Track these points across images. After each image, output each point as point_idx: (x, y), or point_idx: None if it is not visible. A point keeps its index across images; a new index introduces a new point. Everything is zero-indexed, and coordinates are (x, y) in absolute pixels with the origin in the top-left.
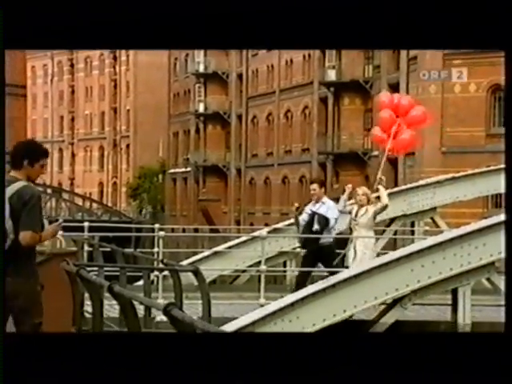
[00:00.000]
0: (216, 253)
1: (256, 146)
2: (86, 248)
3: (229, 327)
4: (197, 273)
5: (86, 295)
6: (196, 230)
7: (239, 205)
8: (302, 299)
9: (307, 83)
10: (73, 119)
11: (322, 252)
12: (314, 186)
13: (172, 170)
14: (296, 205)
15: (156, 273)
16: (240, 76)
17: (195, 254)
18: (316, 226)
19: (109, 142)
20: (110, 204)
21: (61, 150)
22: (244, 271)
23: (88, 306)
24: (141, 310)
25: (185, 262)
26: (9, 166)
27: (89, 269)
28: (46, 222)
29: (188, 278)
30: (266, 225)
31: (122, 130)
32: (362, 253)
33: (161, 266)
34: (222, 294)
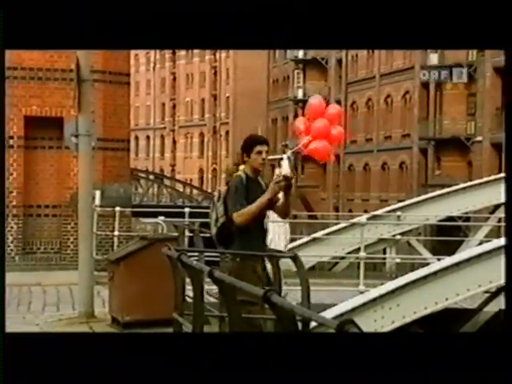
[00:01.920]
0: (315, 239)
1: (355, 131)
2: (187, 233)
3: (328, 314)
4: (295, 259)
5: (188, 280)
6: (294, 217)
7: (338, 191)
8: (404, 286)
9: (408, 68)
10: (174, 106)
11: None
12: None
13: (270, 157)
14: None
15: None
16: (339, 61)
17: (294, 240)
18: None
19: (209, 129)
20: (209, 190)
21: (162, 137)
22: (343, 258)
23: (189, 291)
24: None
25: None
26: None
27: (189, 254)
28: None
29: (287, 264)
30: (365, 211)
31: (222, 116)
32: (277, 235)
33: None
34: (321, 280)
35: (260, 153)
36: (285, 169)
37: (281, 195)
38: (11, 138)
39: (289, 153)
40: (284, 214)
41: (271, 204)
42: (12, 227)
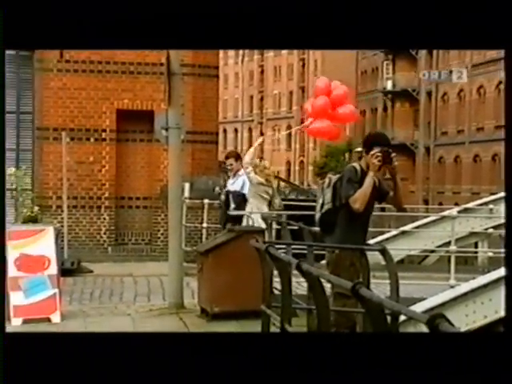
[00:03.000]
0: (404, 232)
1: (446, 123)
2: (275, 226)
3: (418, 307)
4: (384, 252)
5: (275, 272)
6: (383, 209)
7: (427, 184)
8: (496, 281)
9: (503, 57)
10: (262, 99)
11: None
12: (230, 160)
13: (359, 149)
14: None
15: None
16: (430, 52)
17: (382, 233)
18: (232, 205)
19: (296, 121)
20: (297, 182)
21: (250, 130)
22: (433, 251)
23: (277, 284)
24: (328, 288)
25: (372, 241)
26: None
27: (277, 246)
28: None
29: (375, 257)
30: (456, 204)
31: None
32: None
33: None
34: (410, 274)
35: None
36: (249, 153)
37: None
38: (104, 131)
39: (260, 139)
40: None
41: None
42: (105, 218)
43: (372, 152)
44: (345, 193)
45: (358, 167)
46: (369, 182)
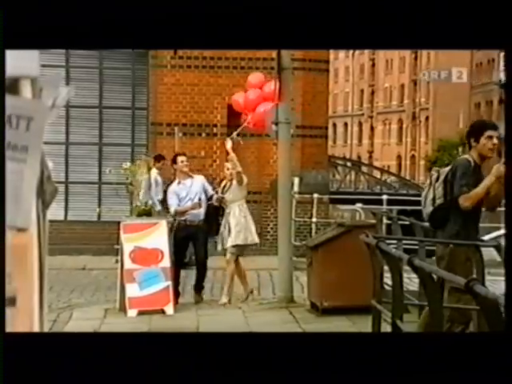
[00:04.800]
0: None
1: None
2: (385, 221)
3: None
4: (499, 248)
5: (386, 267)
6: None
7: None
8: None
9: None
10: (372, 92)
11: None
12: (183, 158)
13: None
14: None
15: None
16: None
17: (498, 228)
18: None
19: (408, 115)
20: (407, 177)
21: (360, 124)
22: None
23: (387, 279)
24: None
25: (486, 237)
26: None
27: (388, 241)
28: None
29: (490, 253)
30: None
31: (422, 102)
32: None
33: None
34: None
35: (490, 138)
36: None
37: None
38: (215, 126)
39: (233, 134)
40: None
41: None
42: None
43: (483, 137)
44: (458, 188)
45: (470, 159)
46: (485, 184)
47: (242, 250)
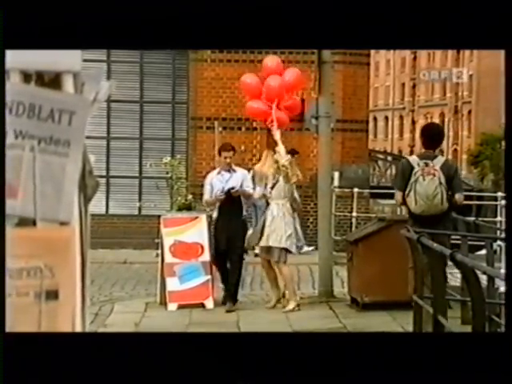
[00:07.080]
0: None
1: None
2: None
3: None
4: None
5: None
6: None
7: None
8: None
9: None
10: (414, 86)
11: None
12: (231, 153)
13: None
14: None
15: (499, 242)
16: None
17: None
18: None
19: (450, 109)
20: None
21: (401, 117)
22: None
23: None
24: (483, 280)
25: None
26: None
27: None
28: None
29: None
30: None
31: (464, 95)
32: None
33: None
34: None
35: None
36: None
37: None
38: (254, 120)
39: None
40: None
41: None
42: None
43: None
44: None
45: None
46: None
47: (271, 251)
